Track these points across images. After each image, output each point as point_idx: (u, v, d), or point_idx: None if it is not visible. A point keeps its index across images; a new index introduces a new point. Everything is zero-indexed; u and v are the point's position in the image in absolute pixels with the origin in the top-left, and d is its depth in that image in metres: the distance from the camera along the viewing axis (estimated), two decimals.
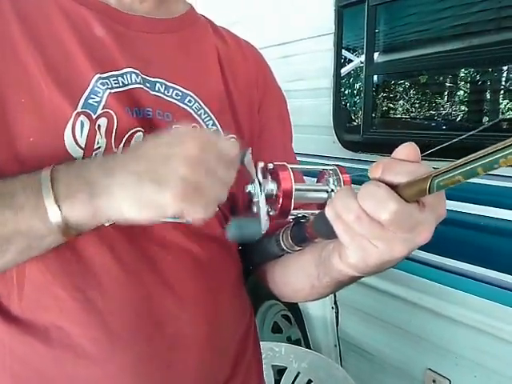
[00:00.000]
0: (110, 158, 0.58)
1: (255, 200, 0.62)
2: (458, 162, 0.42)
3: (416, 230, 0.49)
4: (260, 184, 0.61)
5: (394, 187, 0.48)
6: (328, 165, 0.64)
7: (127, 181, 0.54)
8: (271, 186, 0.61)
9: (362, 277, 0.61)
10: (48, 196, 0.55)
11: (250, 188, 0.62)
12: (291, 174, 0.60)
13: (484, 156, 0.39)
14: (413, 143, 0.50)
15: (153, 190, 0.52)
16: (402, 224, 0.48)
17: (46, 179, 0.56)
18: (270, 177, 0.62)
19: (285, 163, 0.62)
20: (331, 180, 0.63)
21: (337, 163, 0.63)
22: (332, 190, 0.62)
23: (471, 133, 0.52)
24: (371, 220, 0.49)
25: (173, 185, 0.52)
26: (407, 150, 0.49)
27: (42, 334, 0.68)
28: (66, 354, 0.68)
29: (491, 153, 0.39)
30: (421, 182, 0.46)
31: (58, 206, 0.55)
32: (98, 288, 0.68)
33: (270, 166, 0.62)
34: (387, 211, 0.47)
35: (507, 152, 0.37)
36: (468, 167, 0.41)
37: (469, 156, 0.41)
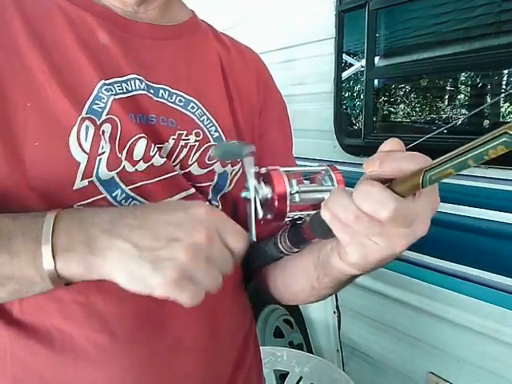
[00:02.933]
0: (118, 216, 0.57)
1: (248, 206, 0.62)
2: (449, 154, 0.42)
3: (414, 224, 0.50)
4: (256, 192, 0.62)
5: (387, 184, 0.48)
6: (321, 165, 0.64)
7: (126, 251, 0.53)
8: (265, 191, 0.61)
9: (361, 274, 0.61)
10: (46, 244, 0.54)
11: (245, 194, 0.63)
12: (284, 177, 0.60)
13: (474, 148, 0.40)
14: (395, 138, 0.51)
15: (147, 270, 0.52)
16: (402, 220, 0.49)
17: (49, 225, 0.55)
18: (263, 181, 0.63)
19: (277, 167, 0.62)
20: (324, 180, 0.63)
21: (339, 167, 0.64)
22: (326, 190, 0.62)
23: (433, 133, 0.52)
24: (370, 219, 0.49)
25: (167, 272, 0.52)
26: (393, 143, 0.50)
27: (43, 337, 0.68)
28: (68, 357, 0.68)
29: (481, 144, 0.39)
30: (413, 176, 0.46)
31: (54, 259, 0.54)
32: (99, 291, 0.68)
33: (263, 170, 0.63)
34: (386, 210, 0.47)
35: (497, 142, 0.38)
36: (459, 159, 0.41)
37: (459, 148, 0.41)
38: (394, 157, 0.49)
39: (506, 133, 0.37)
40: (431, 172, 0.44)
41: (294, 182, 0.61)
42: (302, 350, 2.46)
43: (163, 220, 0.55)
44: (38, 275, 0.55)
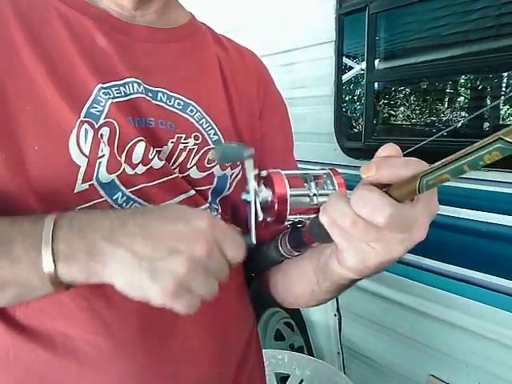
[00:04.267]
0: (118, 223, 0.56)
1: (248, 209, 0.63)
2: (445, 160, 0.42)
3: (412, 229, 0.50)
4: (256, 195, 0.62)
5: (384, 189, 0.48)
6: (323, 169, 0.64)
7: (127, 260, 0.53)
8: (266, 193, 0.61)
9: (362, 279, 0.61)
10: (47, 250, 0.54)
11: (245, 197, 0.63)
12: (285, 180, 0.60)
13: (469, 153, 0.40)
14: (392, 144, 0.51)
15: (145, 279, 0.53)
16: (398, 225, 0.49)
17: (48, 232, 0.55)
18: (264, 184, 0.63)
19: (278, 170, 0.62)
20: (326, 184, 0.63)
21: (339, 170, 0.64)
22: (327, 194, 0.62)
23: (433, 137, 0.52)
24: (367, 224, 0.49)
25: (165, 283, 0.53)
26: (390, 148, 0.50)
27: (46, 341, 0.68)
28: (70, 361, 0.68)
29: (476, 150, 0.39)
30: (410, 182, 0.46)
31: (55, 264, 0.54)
32: (102, 297, 0.69)
33: (264, 173, 0.63)
34: (383, 215, 0.47)
35: (491, 148, 0.38)
36: (454, 165, 0.41)
37: (455, 154, 0.41)
38: (390, 162, 0.49)
39: (500, 139, 0.37)
40: (427, 177, 0.44)
41: (312, 184, 0.62)
42: (303, 352, 2.45)
43: (164, 230, 0.55)
44: (39, 281, 0.55)
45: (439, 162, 0.43)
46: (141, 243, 0.54)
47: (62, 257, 0.54)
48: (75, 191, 0.66)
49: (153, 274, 0.53)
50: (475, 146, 0.39)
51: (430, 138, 0.54)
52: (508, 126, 0.37)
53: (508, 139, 0.37)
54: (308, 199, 0.62)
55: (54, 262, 0.54)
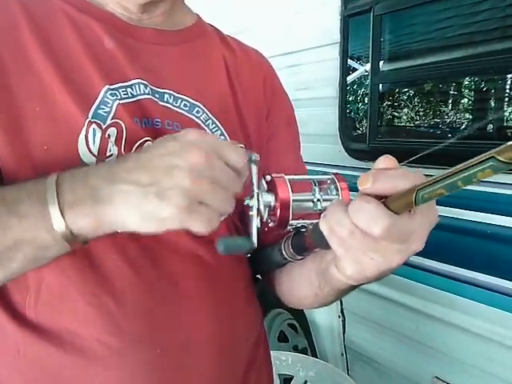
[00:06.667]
0: (116, 164, 0.58)
1: (250, 213, 0.62)
2: (441, 175, 0.43)
3: (409, 240, 0.50)
4: (258, 199, 0.61)
5: (382, 200, 0.48)
6: (327, 174, 0.64)
7: (130, 191, 0.54)
8: (269, 198, 0.61)
9: (362, 285, 0.61)
10: (53, 204, 0.55)
11: (248, 201, 0.62)
12: (288, 185, 0.60)
13: (463, 170, 0.40)
14: (388, 156, 0.51)
15: (156, 203, 0.52)
16: (395, 236, 0.49)
17: (52, 186, 0.56)
18: (267, 188, 0.63)
19: (282, 174, 0.62)
20: (330, 189, 0.63)
21: (343, 172, 0.64)
22: (330, 200, 0.62)
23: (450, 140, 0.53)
24: (364, 234, 0.49)
25: (175, 199, 0.52)
26: (387, 160, 0.50)
27: (55, 338, 0.69)
28: (80, 358, 0.69)
29: (470, 166, 0.40)
30: (407, 194, 0.46)
31: (62, 215, 0.55)
32: (111, 293, 0.69)
33: (268, 177, 0.63)
34: (379, 226, 0.47)
35: (484, 166, 0.38)
36: (448, 181, 0.42)
37: (450, 169, 0.42)
38: (387, 174, 0.49)
39: (492, 157, 0.38)
40: (424, 190, 0.45)
41: (316, 189, 0.61)
42: (307, 354, 2.45)
43: (157, 153, 0.56)
44: (50, 236, 0.56)
45: (435, 177, 0.43)
46: (138, 172, 0.54)
47: (68, 206, 0.55)
48: None
49: (160, 195, 0.52)
50: (470, 162, 0.40)
51: (436, 147, 0.54)
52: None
53: (501, 158, 0.37)
54: (312, 204, 0.62)
55: (62, 213, 0.54)
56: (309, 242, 0.64)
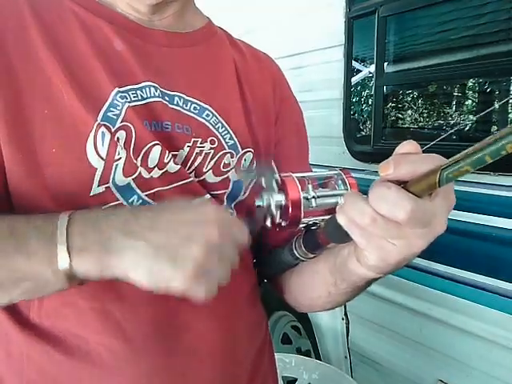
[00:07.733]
0: (131, 216, 0.58)
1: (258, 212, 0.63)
2: (465, 152, 0.42)
3: (432, 223, 0.49)
4: (270, 197, 0.62)
5: (402, 185, 0.48)
6: (333, 169, 0.64)
7: (142, 250, 0.54)
8: (279, 198, 0.61)
9: (380, 278, 0.61)
10: (62, 248, 0.54)
11: (258, 202, 0.63)
12: (297, 183, 0.60)
13: (490, 144, 0.40)
14: (411, 141, 0.50)
15: (166, 268, 0.54)
16: (419, 220, 0.48)
17: (62, 228, 0.55)
18: (277, 188, 0.63)
19: (290, 173, 0.62)
20: (337, 184, 0.63)
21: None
22: (340, 194, 0.61)
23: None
24: (387, 221, 0.49)
25: (187, 268, 0.54)
26: (409, 146, 0.50)
27: (59, 342, 0.69)
28: (83, 362, 0.69)
29: (497, 139, 0.39)
30: (430, 176, 0.46)
31: (70, 257, 0.55)
32: (116, 299, 0.69)
33: (276, 176, 0.63)
34: (403, 211, 0.47)
35: None
36: (475, 156, 0.41)
37: (475, 145, 0.41)
38: (409, 159, 0.49)
39: None
40: (448, 170, 0.44)
41: (310, 187, 0.61)
42: (310, 356, 2.45)
43: (175, 219, 0.57)
44: (53, 275, 0.55)
45: (459, 155, 0.43)
46: (154, 234, 0.55)
47: (77, 250, 0.55)
48: (91, 194, 0.67)
49: (173, 262, 0.54)
50: (495, 135, 0.39)
51: (433, 142, 0.54)
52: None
53: None
54: (323, 200, 0.62)
55: (69, 255, 0.54)
56: (322, 239, 0.64)
